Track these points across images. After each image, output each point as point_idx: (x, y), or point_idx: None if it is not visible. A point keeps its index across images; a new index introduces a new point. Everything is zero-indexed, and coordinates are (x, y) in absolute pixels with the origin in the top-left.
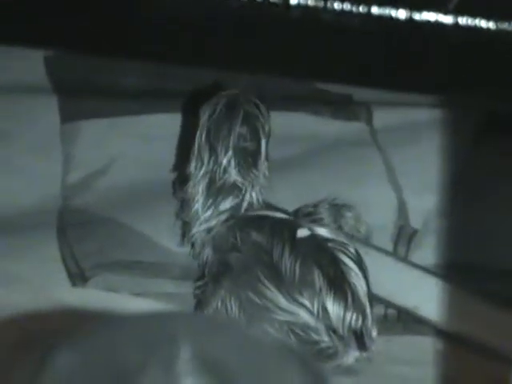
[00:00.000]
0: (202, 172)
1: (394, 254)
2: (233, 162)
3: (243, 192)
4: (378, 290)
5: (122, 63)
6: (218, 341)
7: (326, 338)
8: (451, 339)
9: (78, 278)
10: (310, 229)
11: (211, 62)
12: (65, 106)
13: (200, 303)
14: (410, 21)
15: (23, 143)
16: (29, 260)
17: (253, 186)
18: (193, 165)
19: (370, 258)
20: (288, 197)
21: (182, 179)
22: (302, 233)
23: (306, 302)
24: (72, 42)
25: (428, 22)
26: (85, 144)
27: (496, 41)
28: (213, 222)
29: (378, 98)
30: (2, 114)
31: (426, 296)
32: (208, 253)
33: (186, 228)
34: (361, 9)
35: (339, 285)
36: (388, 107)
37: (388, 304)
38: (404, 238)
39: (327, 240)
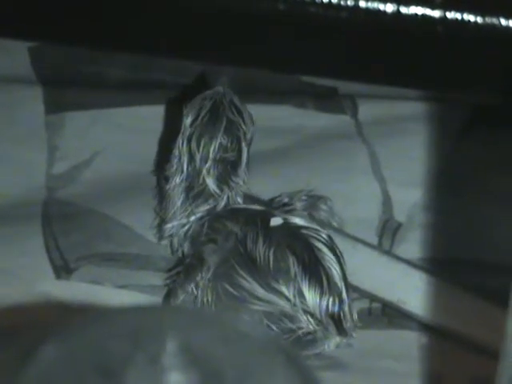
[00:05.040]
0: (180, 177)
1: (378, 247)
2: (211, 173)
3: (220, 199)
4: (362, 283)
5: (108, 54)
6: (204, 334)
7: (304, 325)
8: (436, 333)
9: (63, 270)
10: (283, 218)
11: (197, 55)
12: (49, 96)
13: (169, 294)
14: (397, 14)
15: (7, 134)
16: (13, 252)
17: (231, 192)
18: (173, 168)
19: (356, 251)
20: (272, 190)
21: (161, 177)
22: (276, 221)
23: (283, 289)
24: (57, 34)
25: (415, 16)
26: (70, 135)
27: (483, 35)
28: (190, 219)
29: (363, 91)
30: None
31: (411, 290)
32: (186, 246)
33: (163, 223)
34: (348, 2)
35: (314, 270)
36: (373, 100)
37: (372, 297)
38: (388, 231)
39: (300, 227)
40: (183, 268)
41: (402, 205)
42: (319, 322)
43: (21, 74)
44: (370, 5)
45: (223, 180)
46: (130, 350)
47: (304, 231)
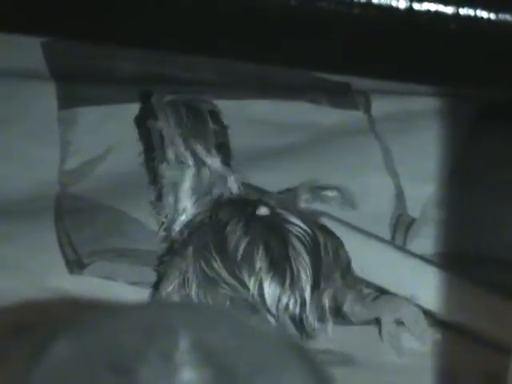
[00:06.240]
0: (187, 174)
1: (392, 242)
2: (218, 161)
3: (224, 185)
4: (375, 278)
5: (121, 49)
6: (217, 331)
7: (263, 317)
8: (450, 329)
9: (76, 265)
10: (271, 208)
11: (210, 51)
12: (62, 92)
13: (159, 278)
14: (409, 10)
15: (21, 129)
16: (26, 247)
17: (233, 174)
18: (175, 168)
19: (369, 246)
20: (285, 185)
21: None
22: (262, 211)
23: (245, 279)
24: (70, 29)
25: (428, 12)
26: (82, 130)
27: (496, 31)
28: (194, 213)
29: (376, 87)
30: None
31: (424, 285)
32: (183, 234)
33: (166, 223)
34: None
35: (280, 267)
36: (386, 96)
37: (385, 293)
38: (402, 226)
39: (285, 221)
40: (172, 253)
41: (416, 200)
42: (276, 318)
43: (34, 69)
44: (383, 1)
45: (225, 165)
46: (143, 346)
47: (287, 225)
